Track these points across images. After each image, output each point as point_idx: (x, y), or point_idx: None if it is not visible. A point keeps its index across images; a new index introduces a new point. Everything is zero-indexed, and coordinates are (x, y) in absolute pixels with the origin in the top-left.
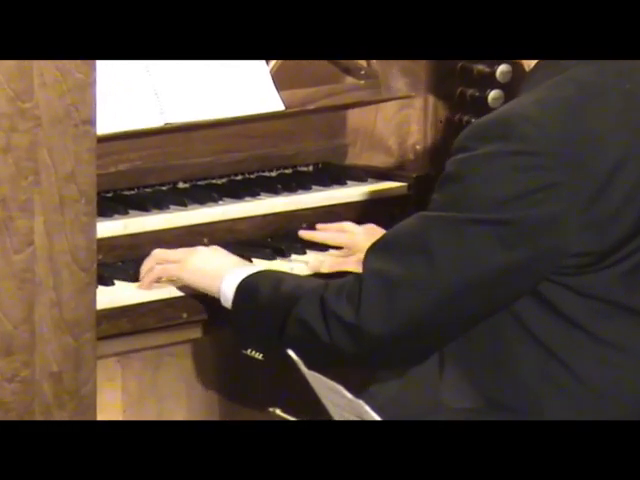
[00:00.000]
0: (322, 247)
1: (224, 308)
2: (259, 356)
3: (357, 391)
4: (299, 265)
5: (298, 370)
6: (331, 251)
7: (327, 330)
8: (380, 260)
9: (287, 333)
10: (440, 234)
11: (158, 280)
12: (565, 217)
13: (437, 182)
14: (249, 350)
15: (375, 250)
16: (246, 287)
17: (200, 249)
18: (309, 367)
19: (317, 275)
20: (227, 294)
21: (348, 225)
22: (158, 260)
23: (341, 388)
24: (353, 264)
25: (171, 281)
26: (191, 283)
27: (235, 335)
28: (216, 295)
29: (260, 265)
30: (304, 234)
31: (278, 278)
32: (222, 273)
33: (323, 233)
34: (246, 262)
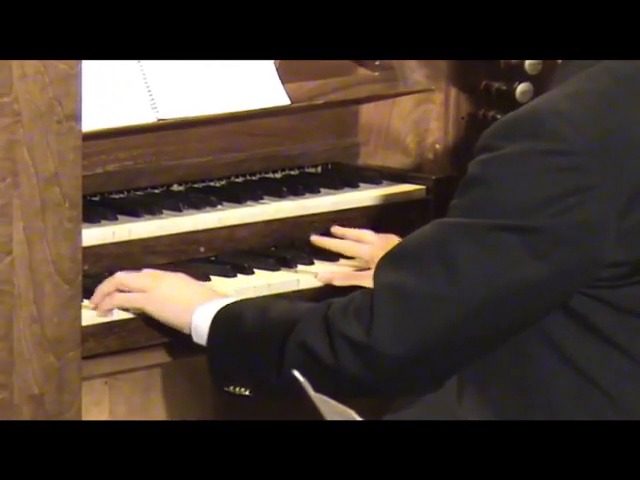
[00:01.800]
0: (332, 257)
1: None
2: (246, 392)
3: (370, 418)
4: (306, 277)
5: (305, 393)
6: (342, 261)
7: (333, 352)
8: (394, 272)
9: (287, 361)
10: (461, 243)
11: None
12: (601, 223)
13: (458, 186)
14: (231, 387)
15: (388, 261)
16: (225, 318)
17: (168, 275)
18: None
19: (327, 288)
20: (200, 328)
21: (367, 234)
22: (119, 286)
23: (352, 412)
24: (370, 277)
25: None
26: (157, 316)
27: (213, 373)
28: (186, 330)
29: (263, 277)
30: (316, 240)
31: (263, 304)
32: (192, 305)
33: (337, 241)
34: (218, 293)
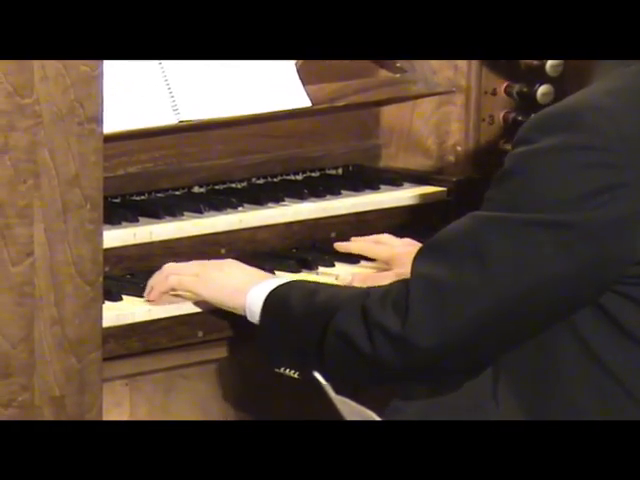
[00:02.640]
0: (352, 259)
1: (247, 326)
2: (295, 374)
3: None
4: (327, 278)
5: (325, 395)
6: (363, 263)
7: (370, 342)
8: (429, 264)
9: (326, 347)
10: (495, 237)
11: (170, 293)
12: (633, 221)
13: (494, 177)
14: (282, 368)
15: (424, 253)
16: (275, 300)
17: (216, 262)
18: (346, 385)
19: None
20: (253, 308)
21: (385, 237)
22: (171, 273)
23: (372, 414)
24: (389, 278)
25: (185, 297)
26: (211, 299)
27: (264, 353)
28: (240, 311)
29: (284, 278)
30: (338, 246)
31: (311, 288)
32: (246, 286)
33: (358, 244)
34: (270, 275)
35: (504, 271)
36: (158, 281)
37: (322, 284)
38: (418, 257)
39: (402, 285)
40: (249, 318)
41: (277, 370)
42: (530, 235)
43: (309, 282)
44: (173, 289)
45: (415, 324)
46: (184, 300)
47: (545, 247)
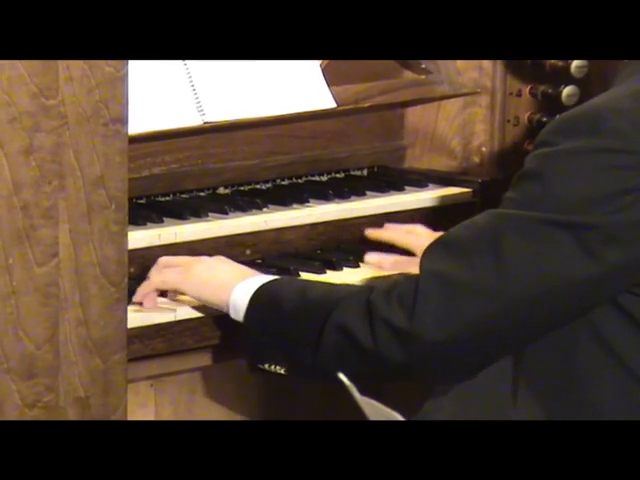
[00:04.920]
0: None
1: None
2: (281, 370)
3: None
4: (352, 279)
5: (349, 395)
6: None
7: (372, 336)
8: (441, 260)
9: (324, 342)
10: (512, 236)
11: (160, 293)
12: None
13: (514, 178)
14: (267, 365)
15: (436, 249)
16: (265, 295)
17: (201, 258)
18: (368, 387)
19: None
20: (238, 304)
21: (418, 227)
22: (154, 273)
23: (398, 415)
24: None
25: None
26: (195, 295)
27: (249, 349)
28: (223, 308)
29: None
30: (371, 233)
31: (303, 284)
32: (231, 282)
33: (390, 232)
34: (256, 272)
35: (519, 270)
36: (144, 284)
37: (311, 281)
38: (429, 253)
39: (409, 280)
40: (232, 315)
41: (261, 366)
42: (548, 235)
43: (299, 279)
44: (157, 289)
45: (422, 318)
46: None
47: (562, 248)
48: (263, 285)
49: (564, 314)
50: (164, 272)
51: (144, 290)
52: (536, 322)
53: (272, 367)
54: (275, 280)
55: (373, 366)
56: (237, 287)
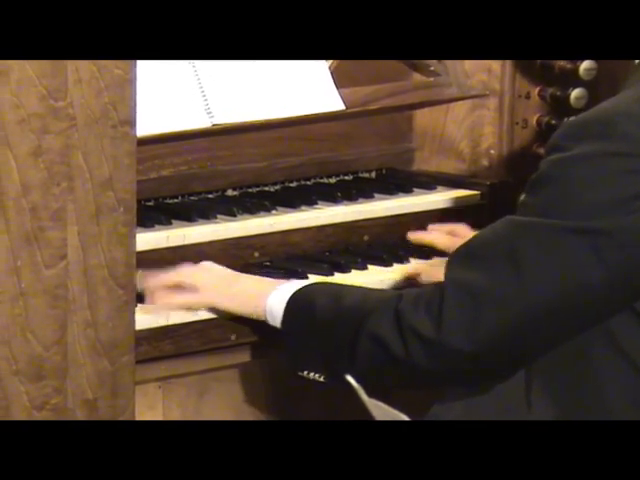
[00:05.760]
0: (384, 261)
1: (279, 329)
2: (320, 378)
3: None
4: (360, 280)
5: (358, 398)
6: (395, 266)
7: (404, 346)
8: (463, 269)
9: (358, 350)
10: (529, 243)
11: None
12: None
13: (528, 182)
14: (306, 372)
15: (458, 257)
16: (299, 302)
17: (203, 268)
18: (377, 388)
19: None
20: (274, 311)
21: (460, 228)
22: (178, 282)
23: (405, 417)
24: None
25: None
26: (223, 307)
27: (288, 356)
28: (261, 315)
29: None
30: (413, 236)
31: (335, 290)
32: (265, 291)
33: (432, 235)
34: (280, 281)
35: (539, 278)
36: (162, 285)
37: (345, 286)
38: (452, 261)
39: (436, 289)
40: (270, 322)
41: (301, 374)
42: (565, 242)
43: (332, 283)
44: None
45: (449, 329)
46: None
47: (580, 253)
48: (298, 291)
49: (584, 320)
50: (182, 295)
51: (168, 307)
52: (557, 329)
53: (312, 375)
54: (308, 286)
55: (406, 374)
56: (273, 293)
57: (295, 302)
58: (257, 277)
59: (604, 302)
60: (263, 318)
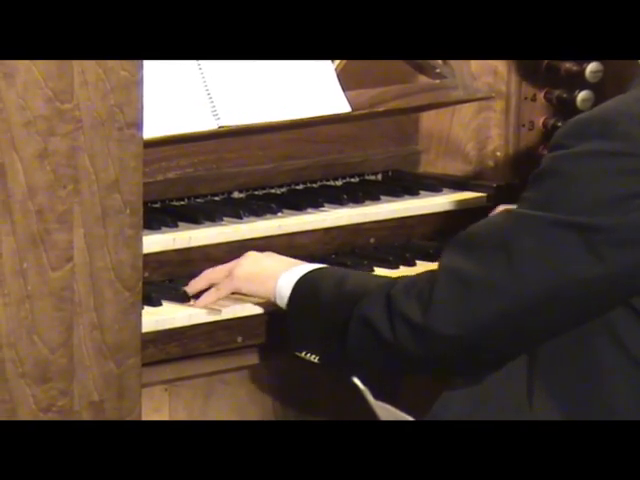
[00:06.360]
0: (390, 264)
1: (281, 330)
2: (315, 359)
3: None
4: None
5: (364, 400)
6: (402, 269)
7: (392, 330)
8: (457, 257)
9: (350, 332)
10: (524, 235)
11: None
12: None
13: (529, 178)
14: (303, 352)
15: (454, 246)
16: (306, 284)
17: (250, 253)
18: (371, 375)
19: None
20: (283, 292)
21: None
22: (210, 280)
23: (411, 419)
24: None
25: (225, 301)
26: (244, 289)
27: (290, 335)
28: (271, 297)
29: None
30: None
31: (341, 275)
32: (277, 272)
33: None
34: (301, 262)
35: (529, 270)
36: (197, 289)
37: (352, 271)
38: (447, 250)
39: (429, 276)
40: (279, 303)
41: (298, 354)
42: (558, 236)
43: (341, 269)
44: (210, 284)
45: (436, 313)
46: (224, 305)
47: (573, 248)
48: (306, 274)
49: (574, 315)
50: (214, 270)
51: (198, 286)
52: (546, 321)
53: (307, 355)
54: (317, 269)
55: (394, 358)
56: (282, 276)
57: (302, 284)
58: (279, 257)
59: (593, 297)
60: (274, 299)
